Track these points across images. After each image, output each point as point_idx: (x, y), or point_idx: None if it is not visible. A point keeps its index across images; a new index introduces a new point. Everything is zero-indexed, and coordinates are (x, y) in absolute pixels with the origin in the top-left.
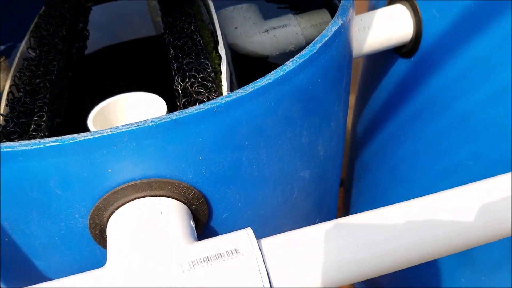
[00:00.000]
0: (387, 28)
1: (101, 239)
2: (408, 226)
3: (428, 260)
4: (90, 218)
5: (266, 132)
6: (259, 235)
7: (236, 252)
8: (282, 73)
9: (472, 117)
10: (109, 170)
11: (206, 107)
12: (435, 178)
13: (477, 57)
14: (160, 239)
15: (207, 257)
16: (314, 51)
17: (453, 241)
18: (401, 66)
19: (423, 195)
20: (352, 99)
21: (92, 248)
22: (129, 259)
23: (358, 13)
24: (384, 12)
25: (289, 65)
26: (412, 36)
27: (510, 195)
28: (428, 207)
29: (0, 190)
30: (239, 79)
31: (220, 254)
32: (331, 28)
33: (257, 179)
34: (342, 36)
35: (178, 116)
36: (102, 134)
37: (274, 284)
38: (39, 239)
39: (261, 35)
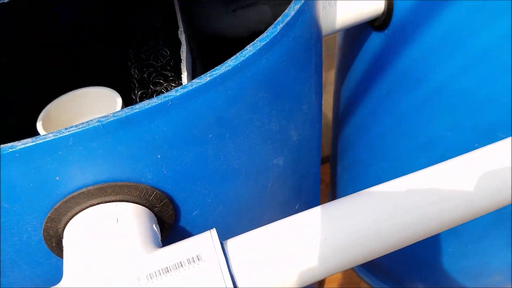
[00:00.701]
0: (357, 1)
1: (59, 251)
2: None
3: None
4: (44, 230)
5: (230, 122)
6: (235, 230)
7: (198, 259)
8: (242, 58)
9: (447, 87)
10: (57, 178)
11: (159, 101)
12: (415, 152)
13: (450, 26)
14: (116, 251)
15: (166, 268)
16: (276, 32)
17: (445, 218)
18: (375, 40)
19: (404, 169)
20: (332, 75)
21: (53, 261)
22: (82, 275)
23: None
24: None
25: (249, 49)
26: (384, 9)
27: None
28: (415, 183)
29: None
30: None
31: (180, 263)
32: (294, 7)
33: (226, 172)
34: (306, 14)
35: (128, 113)
36: (44, 140)
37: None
38: None
39: (230, 15)
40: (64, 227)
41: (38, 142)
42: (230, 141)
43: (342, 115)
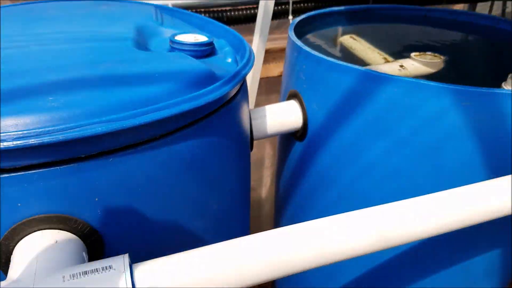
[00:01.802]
0: (283, 117)
1: (6, 269)
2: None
3: None
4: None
5: (154, 185)
6: None
7: (110, 268)
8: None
9: (351, 188)
10: (19, 205)
11: (102, 157)
12: None
13: (347, 140)
14: (51, 261)
15: (86, 271)
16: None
17: None
18: (297, 148)
19: None
20: None
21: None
22: (23, 275)
23: None
24: (281, 106)
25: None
26: (302, 124)
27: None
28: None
29: None
30: None
31: (97, 269)
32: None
33: (153, 223)
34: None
35: (75, 164)
36: (12, 174)
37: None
38: None
39: None
40: (15, 245)
41: (10, 175)
42: (155, 199)
43: (278, 204)
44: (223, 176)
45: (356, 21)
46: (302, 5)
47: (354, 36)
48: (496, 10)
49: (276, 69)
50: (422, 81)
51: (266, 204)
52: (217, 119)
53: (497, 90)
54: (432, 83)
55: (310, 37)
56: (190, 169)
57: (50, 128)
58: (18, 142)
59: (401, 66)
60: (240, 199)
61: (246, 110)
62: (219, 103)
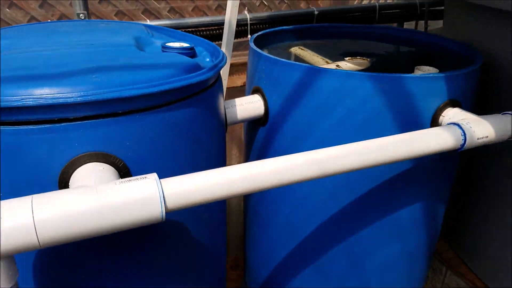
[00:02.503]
0: (249, 106)
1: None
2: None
3: None
4: (60, 175)
5: (162, 137)
6: None
7: (146, 178)
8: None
9: None
10: (76, 144)
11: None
12: (293, 211)
13: (300, 122)
14: (103, 180)
15: (130, 180)
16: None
17: None
18: (261, 132)
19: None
20: None
21: None
22: (82, 188)
23: None
24: (248, 98)
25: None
26: (264, 111)
27: None
28: None
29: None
30: None
31: (137, 178)
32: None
33: (162, 165)
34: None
35: (118, 117)
36: (73, 123)
37: (166, 196)
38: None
39: None
40: (72, 173)
41: (73, 123)
42: (163, 147)
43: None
44: (208, 139)
45: (302, 37)
46: (258, 26)
47: (302, 47)
48: (419, 29)
49: (239, 80)
50: (350, 71)
51: None
52: (203, 97)
53: (402, 75)
54: (356, 72)
55: (265, 50)
56: (185, 129)
57: (97, 91)
58: (80, 98)
59: (337, 66)
60: (218, 162)
61: (221, 98)
62: (205, 84)
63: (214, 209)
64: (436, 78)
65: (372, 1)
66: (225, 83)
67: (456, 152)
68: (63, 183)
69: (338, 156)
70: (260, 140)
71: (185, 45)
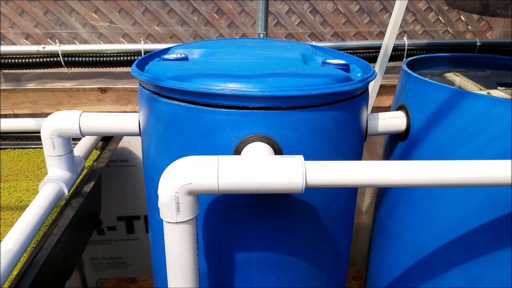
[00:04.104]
0: (392, 121)
1: None
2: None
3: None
4: (235, 148)
5: (314, 131)
6: None
7: (294, 157)
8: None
9: None
10: (250, 126)
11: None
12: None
13: (438, 144)
14: (267, 154)
15: (283, 156)
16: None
17: None
18: (400, 146)
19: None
20: None
21: None
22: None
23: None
24: (391, 113)
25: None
26: (405, 128)
27: None
28: None
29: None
30: None
31: (289, 156)
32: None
33: (307, 151)
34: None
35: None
36: (251, 111)
37: (307, 173)
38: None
39: None
40: (243, 148)
41: (250, 111)
42: (314, 138)
43: (379, 193)
44: (347, 140)
45: (459, 65)
46: (416, 52)
47: (457, 73)
48: None
49: (387, 101)
50: (497, 97)
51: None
52: (349, 104)
53: None
54: (504, 99)
55: (418, 72)
56: (330, 129)
57: (271, 89)
58: (260, 93)
59: (488, 93)
60: None
61: (365, 109)
62: (352, 93)
63: (342, 206)
64: None
65: None
66: (372, 100)
67: None
68: (237, 153)
69: (472, 167)
70: (397, 154)
71: (341, 62)
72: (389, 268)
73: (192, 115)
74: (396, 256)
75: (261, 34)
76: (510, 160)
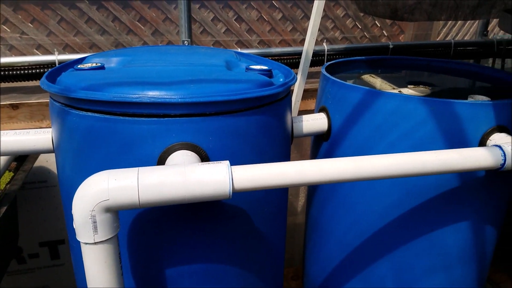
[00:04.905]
0: (314, 122)
1: None
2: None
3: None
4: (159, 157)
5: (235, 135)
6: None
7: (220, 163)
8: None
9: None
10: (174, 135)
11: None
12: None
13: (359, 141)
14: (185, 162)
15: (209, 163)
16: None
17: None
18: (324, 146)
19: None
20: None
21: None
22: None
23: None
24: (314, 115)
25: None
26: (327, 128)
27: None
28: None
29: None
30: None
31: (214, 162)
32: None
33: (233, 157)
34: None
35: (206, 117)
36: (173, 118)
37: (234, 177)
38: None
39: None
40: (167, 157)
41: (172, 118)
42: (236, 144)
43: (309, 191)
44: (273, 144)
45: (374, 67)
46: (336, 56)
47: (373, 75)
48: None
49: (313, 104)
50: (406, 95)
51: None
52: (272, 108)
53: (454, 100)
54: (413, 96)
55: (337, 76)
56: (256, 132)
57: (192, 96)
58: (181, 100)
59: (399, 91)
60: None
61: (289, 112)
62: (274, 98)
63: (274, 207)
64: (484, 105)
65: (450, 38)
66: (298, 104)
67: (507, 174)
68: (161, 163)
69: (380, 162)
70: (322, 154)
71: (264, 67)
72: (324, 265)
73: (109, 126)
74: (329, 252)
75: (185, 42)
76: (413, 153)
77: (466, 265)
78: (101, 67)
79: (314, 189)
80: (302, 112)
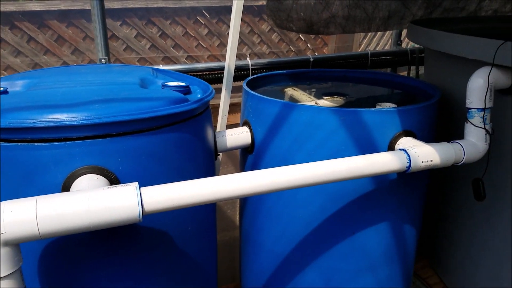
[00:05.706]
0: (238, 136)
1: None
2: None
3: None
4: (63, 183)
5: (150, 156)
6: None
7: (128, 185)
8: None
9: None
10: (77, 159)
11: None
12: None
13: (281, 152)
14: (91, 187)
15: (115, 186)
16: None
17: None
18: (250, 158)
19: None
20: None
21: None
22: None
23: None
24: (237, 129)
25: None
26: (251, 141)
27: None
28: None
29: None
30: None
31: (122, 185)
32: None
33: (147, 179)
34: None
35: (110, 138)
36: (74, 142)
37: (144, 199)
38: None
39: None
40: (72, 182)
41: (74, 141)
42: (151, 163)
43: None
44: (192, 161)
45: (296, 80)
46: (260, 71)
47: (294, 88)
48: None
49: None
50: (319, 106)
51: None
52: (189, 124)
53: (360, 109)
54: (324, 107)
55: (261, 90)
56: (172, 150)
57: (96, 117)
58: (82, 122)
59: (316, 103)
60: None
61: (210, 127)
62: (190, 114)
63: (199, 224)
64: (389, 112)
65: (374, 48)
66: (225, 118)
67: (419, 174)
68: (66, 189)
69: (293, 171)
70: (249, 166)
71: (182, 84)
72: (258, 277)
73: (7, 155)
74: (262, 264)
75: (102, 60)
76: (324, 161)
77: (391, 264)
78: (4, 92)
79: (244, 202)
80: (231, 126)
